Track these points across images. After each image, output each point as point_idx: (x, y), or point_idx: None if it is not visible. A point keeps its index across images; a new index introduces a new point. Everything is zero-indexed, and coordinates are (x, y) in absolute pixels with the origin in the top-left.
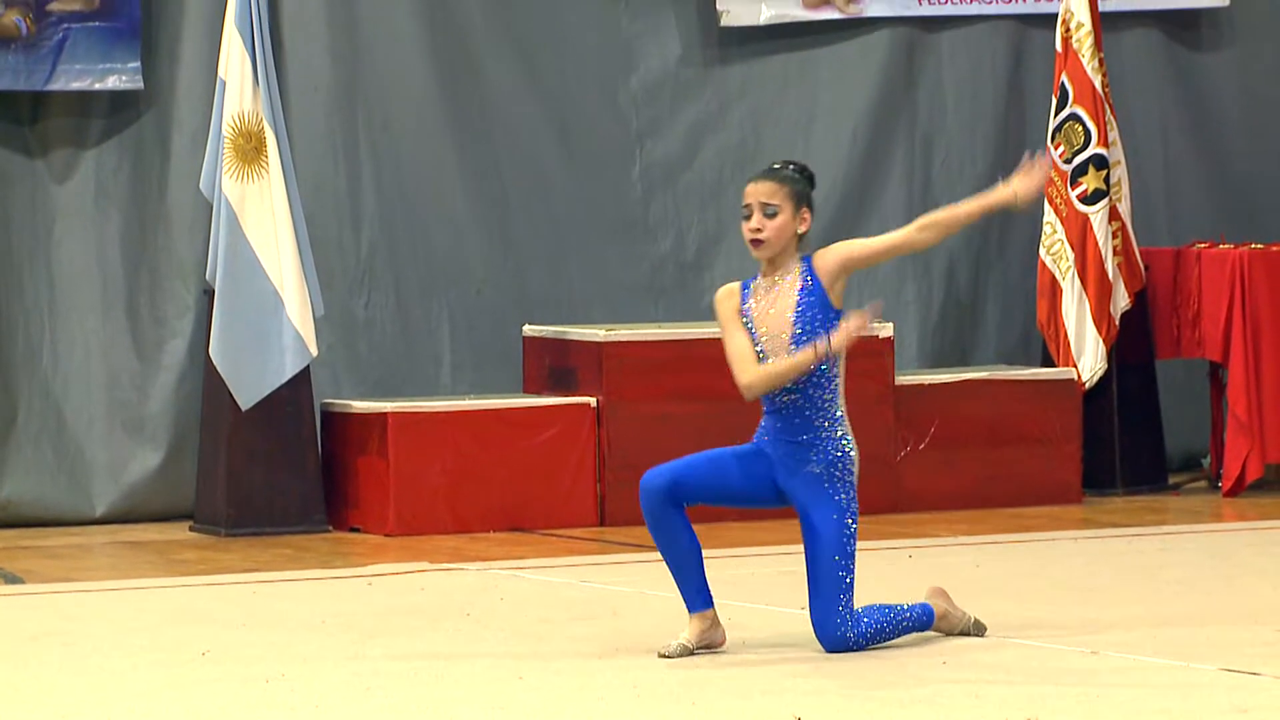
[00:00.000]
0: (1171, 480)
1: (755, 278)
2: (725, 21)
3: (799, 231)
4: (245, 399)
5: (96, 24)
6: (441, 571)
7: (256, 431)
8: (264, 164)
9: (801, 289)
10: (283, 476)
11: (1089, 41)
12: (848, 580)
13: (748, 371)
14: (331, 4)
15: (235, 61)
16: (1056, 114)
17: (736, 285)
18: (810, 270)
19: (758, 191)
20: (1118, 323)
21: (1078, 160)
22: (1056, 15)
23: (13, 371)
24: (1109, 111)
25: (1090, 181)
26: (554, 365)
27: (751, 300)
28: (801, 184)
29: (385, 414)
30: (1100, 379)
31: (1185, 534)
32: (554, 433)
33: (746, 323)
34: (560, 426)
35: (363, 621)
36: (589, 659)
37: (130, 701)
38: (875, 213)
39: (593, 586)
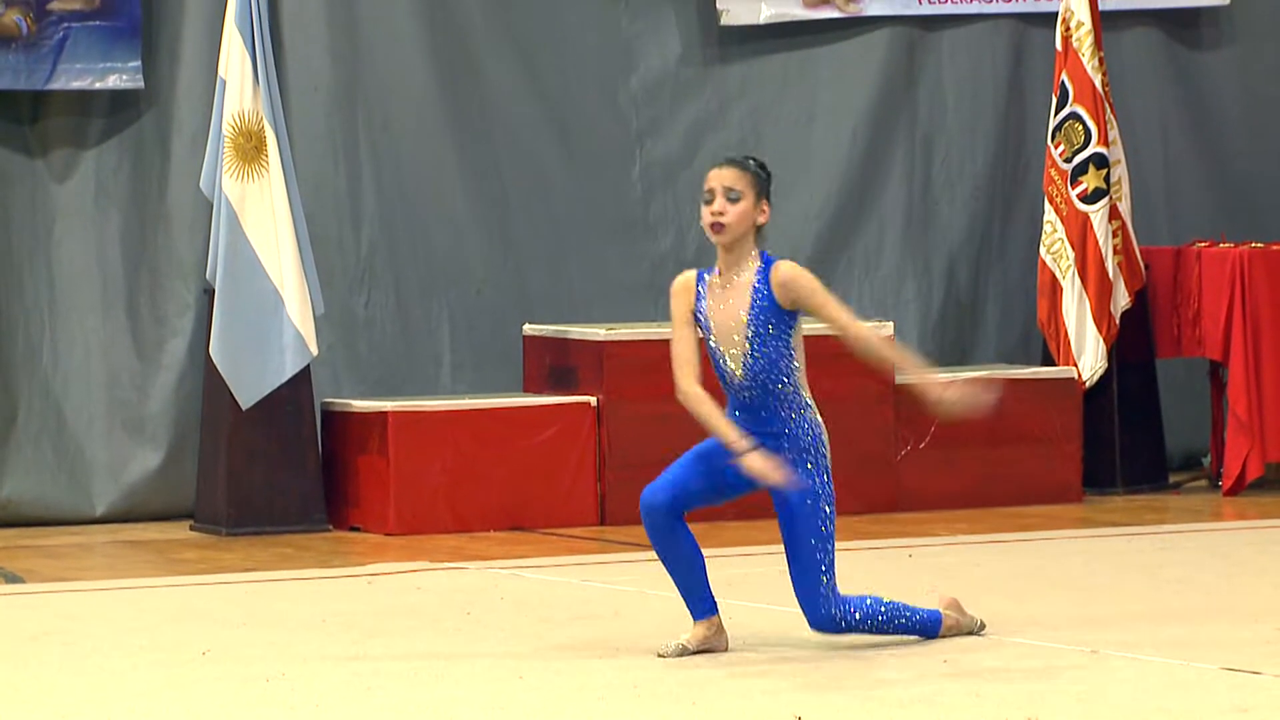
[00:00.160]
0: (1172, 479)
1: (712, 269)
2: (725, 21)
3: (758, 222)
4: (245, 398)
5: (97, 23)
6: (441, 571)
7: (257, 431)
8: (264, 163)
9: (755, 289)
10: (283, 476)
11: (1089, 40)
12: (828, 560)
13: (687, 379)
14: (331, 4)
15: (235, 61)
16: (1056, 113)
17: (693, 277)
18: (766, 277)
19: (721, 177)
20: (1118, 322)
21: (1078, 159)
22: (1056, 14)
23: (13, 371)
24: (1109, 110)
25: (1090, 180)
26: (554, 365)
27: (708, 299)
28: (763, 177)
29: (385, 413)
30: (1100, 378)
31: (1185, 533)
32: (554, 432)
33: (699, 315)
34: (560, 426)
35: (363, 621)
36: (589, 659)
37: (130, 701)
38: (875, 212)
39: (593, 586)
